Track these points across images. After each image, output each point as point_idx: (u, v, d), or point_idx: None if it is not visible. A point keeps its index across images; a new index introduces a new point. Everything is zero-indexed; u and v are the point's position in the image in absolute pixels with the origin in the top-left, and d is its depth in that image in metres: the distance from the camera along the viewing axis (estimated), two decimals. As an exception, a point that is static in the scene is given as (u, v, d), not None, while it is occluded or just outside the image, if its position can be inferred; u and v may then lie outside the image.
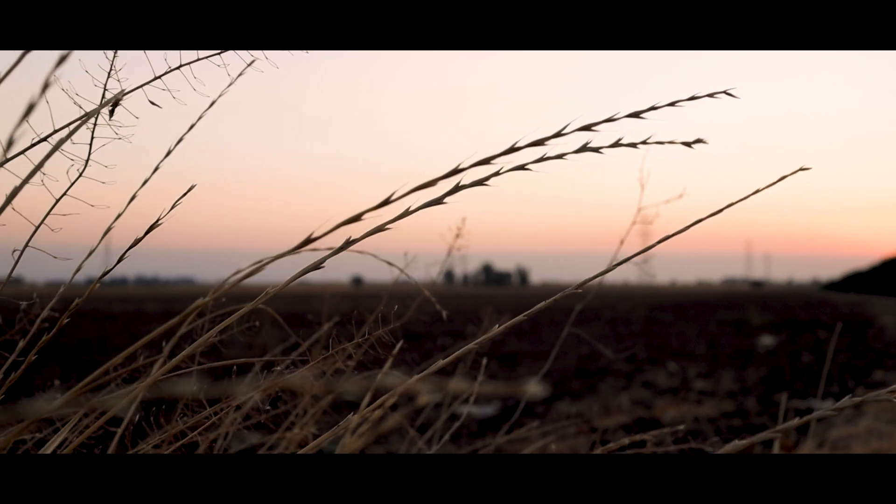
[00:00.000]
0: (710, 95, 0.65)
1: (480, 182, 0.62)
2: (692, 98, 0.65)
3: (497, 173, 0.62)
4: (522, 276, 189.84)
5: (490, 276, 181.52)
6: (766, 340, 11.12)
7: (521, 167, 0.62)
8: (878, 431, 4.19)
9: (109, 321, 17.09)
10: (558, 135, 0.61)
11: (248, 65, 1.00)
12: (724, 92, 0.65)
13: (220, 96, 1.01)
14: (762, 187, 0.73)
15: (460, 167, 0.60)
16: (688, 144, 0.66)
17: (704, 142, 0.66)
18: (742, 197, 0.73)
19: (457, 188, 0.61)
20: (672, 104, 0.66)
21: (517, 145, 0.60)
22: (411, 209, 0.61)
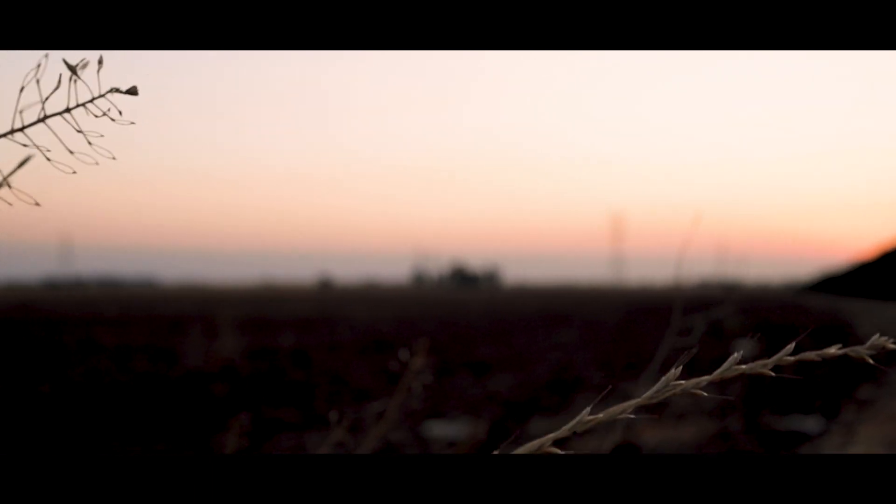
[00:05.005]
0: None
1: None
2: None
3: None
4: (492, 276, 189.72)
5: (461, 276, 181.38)
6: (744, 348, 10.82)
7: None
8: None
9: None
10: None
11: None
12: None
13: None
14: None
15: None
16: None
17: None
18: None
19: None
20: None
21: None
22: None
